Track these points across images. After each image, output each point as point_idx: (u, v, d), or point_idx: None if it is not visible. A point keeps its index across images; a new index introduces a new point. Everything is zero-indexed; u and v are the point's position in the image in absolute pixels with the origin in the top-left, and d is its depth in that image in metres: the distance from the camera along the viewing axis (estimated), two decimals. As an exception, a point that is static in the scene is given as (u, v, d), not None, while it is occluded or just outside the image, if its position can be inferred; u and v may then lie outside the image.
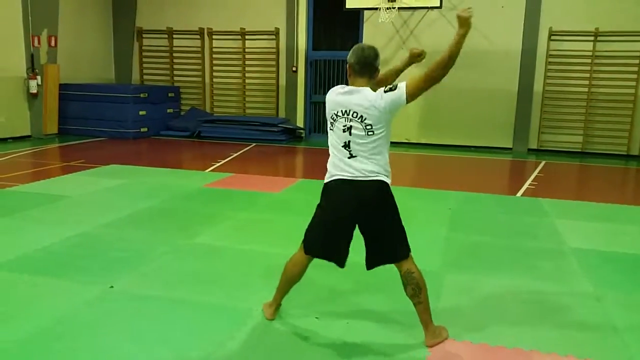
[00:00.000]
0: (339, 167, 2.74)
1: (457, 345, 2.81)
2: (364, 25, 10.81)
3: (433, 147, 10.58)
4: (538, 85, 10.16)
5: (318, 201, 2.89)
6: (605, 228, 5.12)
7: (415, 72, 2.74)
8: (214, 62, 11.94)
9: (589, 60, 9.89)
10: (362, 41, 10.82)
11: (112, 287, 3.41)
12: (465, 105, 10.42)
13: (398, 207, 2.80)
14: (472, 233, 4.85)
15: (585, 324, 3.12)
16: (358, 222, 2.78)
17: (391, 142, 2.81)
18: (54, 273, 3.64)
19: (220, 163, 8.19)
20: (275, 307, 3.05)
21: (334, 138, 2.75)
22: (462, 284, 3.64)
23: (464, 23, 2.54)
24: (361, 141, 2.68)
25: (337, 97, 2.73)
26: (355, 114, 2.66)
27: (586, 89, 9.98)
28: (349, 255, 2.83)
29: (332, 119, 2.74)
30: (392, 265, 2.83)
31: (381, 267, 2.87)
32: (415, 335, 2.85)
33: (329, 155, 2.83)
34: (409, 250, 2.79)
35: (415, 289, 2.76)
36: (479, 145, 10.47)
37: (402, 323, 3.01)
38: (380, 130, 2.68)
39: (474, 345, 2.82)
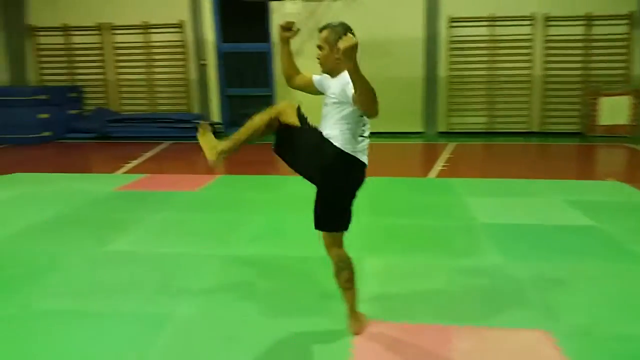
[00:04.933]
0: None
1: (380, 326, 2.88)
2: (273, 16, 10.74)
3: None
4: (442, 71, 10.60)
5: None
6: (512, 202, 5.44)
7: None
8: (118, 58, 11.39)
9: (487, 45, 10.44)
10: (271, 33, 10.80)
11: (20, 305, 3.17)
12: (377, 93, 10.64)
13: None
14: (388, 216, 5.00)
15: (498, 294, 3.31)
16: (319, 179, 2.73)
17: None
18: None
19: (132, 164, 7.86)
20: (223, 151, 2.72)
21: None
22: (381, 266, 3.74)
23: (347, 55, 2.24)
24: None
25: None
26: None
27: (486, 72, 10.54)
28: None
29: None
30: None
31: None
32: (336, 321, 2.89)
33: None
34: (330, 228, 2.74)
35: (346, 274, 2.77)
36: (392, 131, 10.77)
37: (323, 310, 3.04)
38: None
39: (397, 325, 2.90)
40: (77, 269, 3.76)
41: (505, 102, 10.66)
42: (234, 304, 3.20)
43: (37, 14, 11.37)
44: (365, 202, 5.44)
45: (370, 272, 3.61)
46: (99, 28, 11.23)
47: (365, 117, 2.66)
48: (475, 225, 4.68)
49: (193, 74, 11.24)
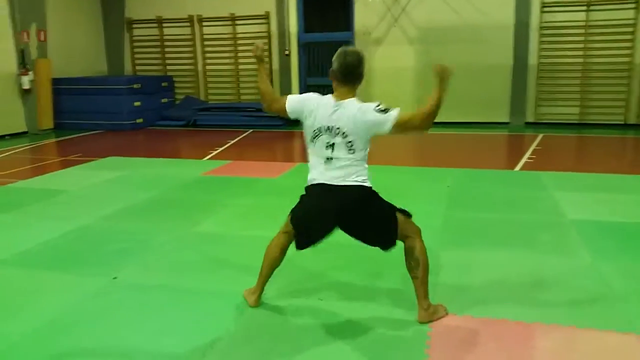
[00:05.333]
0: (318, 172, 2.73)
1: (458, 319, 2.84)
2: (355, 5, 10.71)
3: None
4: (532, 58, 10.11)
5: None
6: (604, 198, 5.13)
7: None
8: (206, 49, 11.86)
9: (582, 31, 9.83)
10: (354, 21, 10.77)
11: (115, 278, 3.43)
12: (461, 81, 10.27)
13: (385, 196, 2.79)
14: (470, 209, 4.87)
15: (587, 294, 3.14)
16: (340, 225, 2.76)
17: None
18: (57, 267, 3.66)
19: (218, 151, 8.19)
20: (259, 294, 3.02)
21: (315, 151, 2.73)
22: (462, 260, 3.66)
23: (444, 78, 2.53)
24: (344, 156, 2.66)
25: (326, 111, 2.67)
26: (338, 130, 2.64)
27: (581, 60, 9.93)
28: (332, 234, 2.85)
29: (315, 134, 2.70)
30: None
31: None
32: (413, 312, 2.87)
33: None
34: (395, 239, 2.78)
35: (413, 263, 2.77)
36: (476, 121, 10.44)
37: (401, 300, 3.04)
38: (362, 148, 2.66)
39: (476, 319, 2.84)
40: (167, 247, 3.99)
41: (601, 92, 10.00)
42: (312, 287, 3.26)
43: (134, 8, 12.07)
44: (447, 194, 5.37)
45: (451, 266, 3.55)
46: (189, 20, 11.72)
47: (316, 128, 2.68)
48: (563, 222, 4.46)
49: (276, 64, 11.46)
